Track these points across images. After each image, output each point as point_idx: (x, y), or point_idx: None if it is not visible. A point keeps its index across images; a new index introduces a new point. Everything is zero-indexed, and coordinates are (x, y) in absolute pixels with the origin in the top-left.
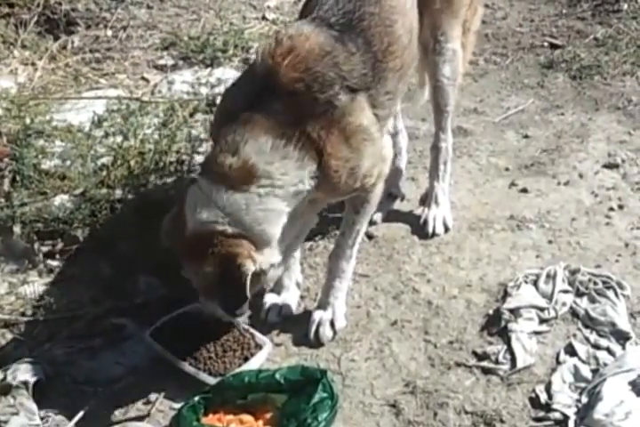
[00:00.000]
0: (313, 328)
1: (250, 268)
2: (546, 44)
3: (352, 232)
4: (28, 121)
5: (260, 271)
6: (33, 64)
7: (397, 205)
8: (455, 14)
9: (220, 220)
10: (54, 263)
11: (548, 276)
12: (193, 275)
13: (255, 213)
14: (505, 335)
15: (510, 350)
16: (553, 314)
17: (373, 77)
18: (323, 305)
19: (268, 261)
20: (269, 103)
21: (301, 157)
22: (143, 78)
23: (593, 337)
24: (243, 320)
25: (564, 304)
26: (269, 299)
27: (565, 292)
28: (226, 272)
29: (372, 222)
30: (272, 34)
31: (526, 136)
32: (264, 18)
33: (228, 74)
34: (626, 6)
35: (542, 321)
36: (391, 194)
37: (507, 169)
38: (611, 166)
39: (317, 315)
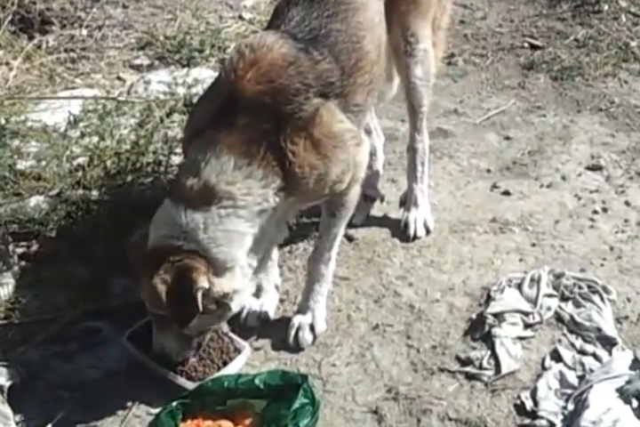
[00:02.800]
0: (292, 332)
1: (203, 285)
2: (526, 44)
3: (329, 235)
4: (2, 121)
5: (219, 296)
6: (7, 64)
7: (378, 207)
8: (424, 15)
9: (178, 235)
10: (29, 265)
11: (532, 280)
12: (148, 292)
13: (214, 233)
14: (489, 340)
15: (494, 356)
16: (538, 319)
17: (342, 89)
18: (302, 309)
19: (229, 286)
20: (233, 119)
21: (266, 174)
22: (119, 78)
23: (579, 343)
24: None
25: (548, 309)
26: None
27: (550, 296)
28: (179, 283)
29: (351, 225)
30: (248, 34)
31: (507, 138)
32: (240, 17)
33: (205, 74)
34: (606, 7)
35: (527, 326)
36: (368, 196)
37: (488, 171)
38: (594, 168)
39: (297, 319)
